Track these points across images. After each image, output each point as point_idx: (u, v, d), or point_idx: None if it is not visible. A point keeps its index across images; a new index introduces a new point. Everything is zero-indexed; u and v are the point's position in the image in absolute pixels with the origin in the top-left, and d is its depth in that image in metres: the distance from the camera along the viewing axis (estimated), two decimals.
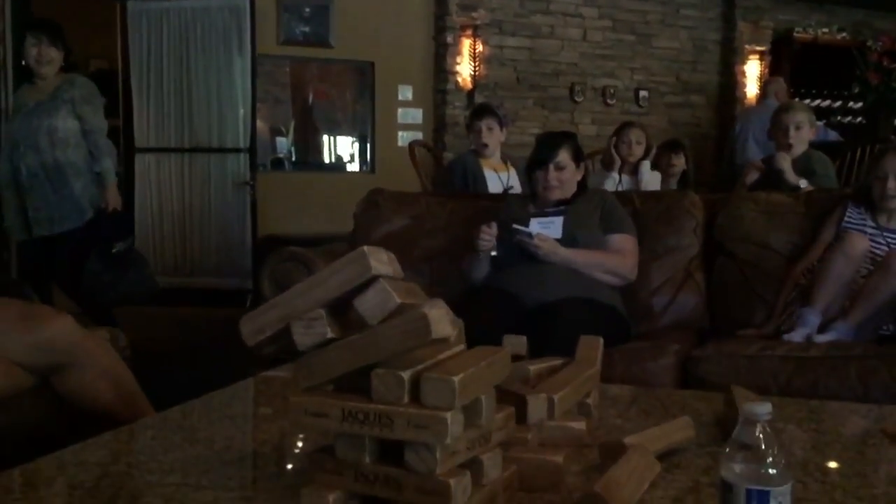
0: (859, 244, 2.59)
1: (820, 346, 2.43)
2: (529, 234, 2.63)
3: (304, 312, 1.12)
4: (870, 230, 2.70)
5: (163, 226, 5.42)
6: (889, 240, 2.67)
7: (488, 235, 2.66)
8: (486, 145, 4.01)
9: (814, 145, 3.81)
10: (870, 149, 4.70)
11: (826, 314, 2.56)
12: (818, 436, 1.54)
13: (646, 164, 4.22)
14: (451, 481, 1.04)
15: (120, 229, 3.96)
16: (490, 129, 4.00)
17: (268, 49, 6.03)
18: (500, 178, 3.99)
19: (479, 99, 6.55)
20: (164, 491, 1.24)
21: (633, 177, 4.26)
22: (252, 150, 5.40)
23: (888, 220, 2.72)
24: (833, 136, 6.40)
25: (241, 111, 5.38)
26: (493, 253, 2.72)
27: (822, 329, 2.53)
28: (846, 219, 2.76)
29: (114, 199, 3.94)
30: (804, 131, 3.66)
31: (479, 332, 1.84)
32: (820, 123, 5.34)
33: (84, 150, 3.85)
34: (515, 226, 2.67)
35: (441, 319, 1.06)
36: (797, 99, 6.57)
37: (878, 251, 2.64)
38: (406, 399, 1.05)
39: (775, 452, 1.00)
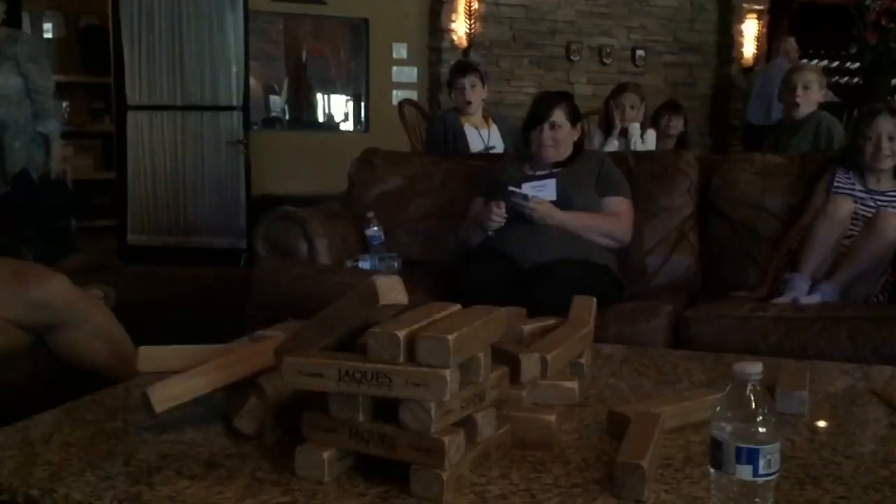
0: (844, 207, 2.59)
1: (811, 308, 2.44)
2: (525, 197, 2.63)
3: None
4: (859, 194, 2.69)
5: (155, 184, 5.38)
6: (879, 202, 2.66)
7: (499, 217, 2.65)
8: (470, 103, 3.99)
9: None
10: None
11: (814, 279, 2.57)
12: (808, 395, 1.55)
13: (634, 127, 4.19)
14: (445, 439, 1.05)
15: (62, 202, 3.80)
16: (473, 86, 3.99)
17: (260, 5, 5.95)
18: (480, 135, 3.98)
19: (474, 57, 6.48)
20: (159, 448, 1.25)
21: (624, 138, 4.24)
22: (245, 109, 5.35)
23: (877, 182, 2.71)
24: (829, 96, 6.37)
25: (234, 68, 5.31)
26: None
27: (809, 292, 2.54)
28: (835, 183, 2.74)
29: (59, 165, 3.80)
30: (812, 92, 3.67)
31: (475, 293, 1.85)
32: None
33: (28, 109, 3.72)
34: (511, 188, 2.66)
35: (392, 288, 1.11)
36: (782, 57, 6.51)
37: (867, 214, 2.63)
38: (402, 358, 1.06)
39: (765, 411, 1.02)
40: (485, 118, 4.08)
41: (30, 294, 1.84)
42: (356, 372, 1.07)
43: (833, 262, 2.57)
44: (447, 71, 6.55)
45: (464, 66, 4.20)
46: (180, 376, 1.31)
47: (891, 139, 2.65)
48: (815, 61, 7.94)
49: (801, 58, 6.56)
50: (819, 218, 2.59)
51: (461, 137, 3.93)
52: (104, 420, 1.39)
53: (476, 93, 4.00)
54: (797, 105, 3.66)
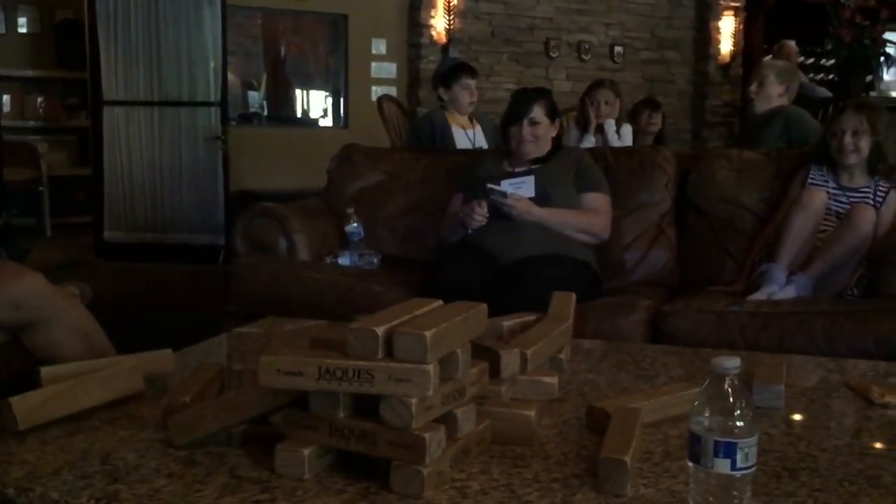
0: (818, 197, 2.64)
1: (786, 302, 2.46)
2: (504, 194, 2.63)
3: None
4: (832, 190, 2.73)
5: (133, 180, 5.32)
6: (852, 199, 2.70)
7: (480, 216, 2.65)
8: (474, 103, 4.06)
9: (804, 102, 3.86)
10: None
11: (790, 270, 2.60)
12: (784, 389, 1.57)
13: (609, 124, 4.20)
14: (426, 435, 1.05)
15: None
16: (475, 87, 4.06)
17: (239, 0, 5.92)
18: (467, 136, 4.01)
19: (453, 53, 6.47)
20: (136, 446, 1.24)
21: (600, 135, 4.24)
22: (223, 104, 5.30)
23: (849, 179, 2.75)
24: (820, 91, 6.41)
25: (212, 64, 5.27)
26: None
27: (785, 283, 2.57)
28: (809, 179, 2.78)
29: None
30: (769, 86, 3.70)
31: (455, 289, 1.85)
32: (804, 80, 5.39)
33: None
34: (490, 185, 2.66)
35: None
36: (770, 56, 6.56)
37: (840, 210, 2.67)
38: (381, 354, 1.06)
39: (742, 405, 1.02)
40: (469, 119, 4.10)
41: (5, 292, 1.82)
42: (337, 369, 1.06)
43: (808, 254, 2.60)
44: (427, 67, 6.57)
45: (469, 67, 4.20)
46: (46, 389, 1.35)
47: (854, 134, 2.68)
48: None
49: (765, 54, 6.61)
50: (794, 208, 2.63)
51: (449, 139, 3.94)
52: (81, 418, 1.37)
53: (475, 94, 4.06)
54: (752, 100, 3.75)
